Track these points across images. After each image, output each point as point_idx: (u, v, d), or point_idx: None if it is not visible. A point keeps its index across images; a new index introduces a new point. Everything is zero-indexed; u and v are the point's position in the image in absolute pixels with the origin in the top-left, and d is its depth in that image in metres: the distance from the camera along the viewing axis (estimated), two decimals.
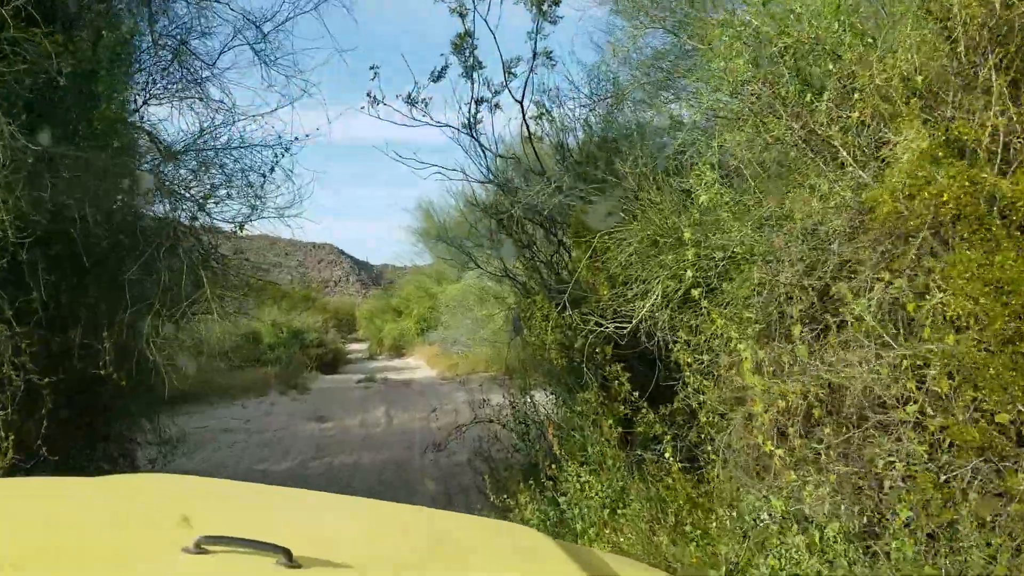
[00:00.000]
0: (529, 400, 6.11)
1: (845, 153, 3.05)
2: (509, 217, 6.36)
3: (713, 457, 4.22)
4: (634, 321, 3.77)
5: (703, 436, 4.28)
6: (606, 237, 4.26)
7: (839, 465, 3.00)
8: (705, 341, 3.83)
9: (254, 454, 10.77)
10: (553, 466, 4.95)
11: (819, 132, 3.16)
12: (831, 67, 3.20)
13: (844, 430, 3.10)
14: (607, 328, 3.94)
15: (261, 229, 6.07)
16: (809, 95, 3.18)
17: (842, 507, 2.92)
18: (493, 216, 6.61)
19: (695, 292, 3.23)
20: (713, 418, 4.12)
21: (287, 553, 1.29)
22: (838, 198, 2.98)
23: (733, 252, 3.24)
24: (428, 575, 1.47)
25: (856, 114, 3.01)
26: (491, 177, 6.21)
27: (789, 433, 3.30)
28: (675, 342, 4.15)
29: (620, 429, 4.81)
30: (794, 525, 3.01)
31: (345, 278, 69.84)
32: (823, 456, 3.09)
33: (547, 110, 6.15)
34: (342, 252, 73.37)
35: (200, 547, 1.32)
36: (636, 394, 4.40)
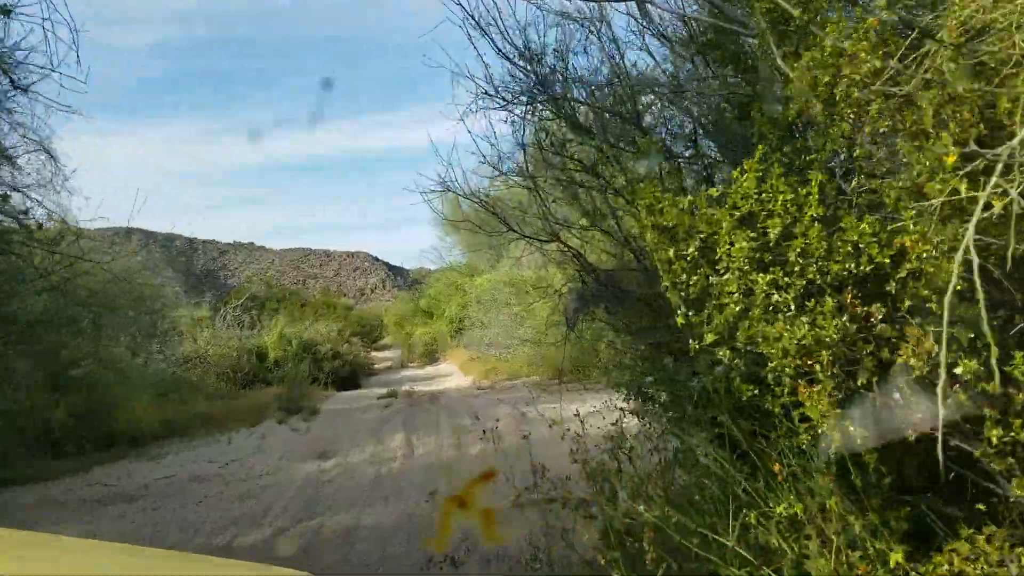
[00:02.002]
0: (628, 462, 3.02)
1: None
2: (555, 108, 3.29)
3: None
4: None
5: None
6: None
7: None
8: None
9: (223, 515, 7.89)
10: None
11: None
12: None
13: None
14: None
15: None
16: None
17: None
18: (522, 115, 3.58)
19: None
20: None
21: None
22: None
23: None
24: None
25: None
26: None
27: None
28: None
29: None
30: None
31: (381, 285, 69.91)
32: None
33: None
34: (376, 259, 73.27)
35: None
36: None
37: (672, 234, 2.03)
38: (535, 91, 3.44)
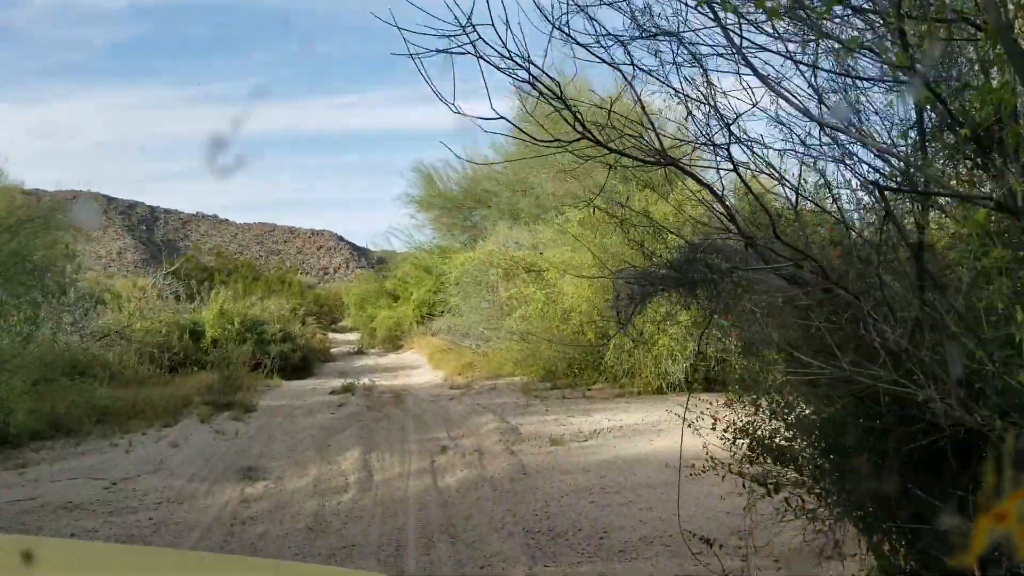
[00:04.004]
0: None
1: None
2: None
3: None
4: None
5: None
6: None
7: None
8: None
9: None
10: None
11: None
12: None
13: None
14: None
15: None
16: None
17: None
18: None
19: None
20: None
21: None
22: None
23: None
24: None
25: None
26: None
27: None
28: None
29: None
30: None
31: (345, 265, 68.42)
32: None
33: None
34: (341, 238, 71.39)
35: None
36: None
37: None
38: None
